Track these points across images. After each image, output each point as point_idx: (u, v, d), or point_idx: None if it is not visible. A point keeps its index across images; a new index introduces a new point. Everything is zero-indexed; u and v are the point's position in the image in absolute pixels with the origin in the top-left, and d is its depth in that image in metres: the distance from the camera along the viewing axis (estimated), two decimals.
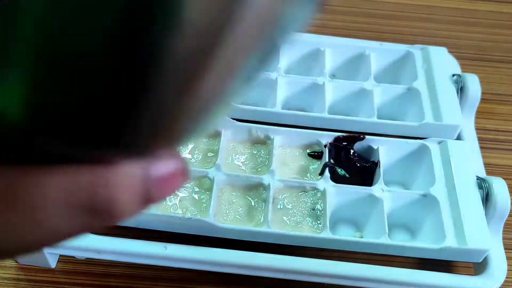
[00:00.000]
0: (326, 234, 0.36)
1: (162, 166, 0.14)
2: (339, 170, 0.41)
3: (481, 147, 0.45)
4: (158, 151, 0.14)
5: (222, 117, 0.14)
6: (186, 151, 0.42)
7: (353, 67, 0.50)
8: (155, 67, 0.10)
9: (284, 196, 0.39)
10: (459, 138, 0.45)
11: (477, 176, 0.40)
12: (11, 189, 0.12)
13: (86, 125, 0.11)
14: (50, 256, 0.37)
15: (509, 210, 0.38)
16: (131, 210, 0.14)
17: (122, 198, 0.13)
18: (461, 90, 0.47)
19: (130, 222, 0.37)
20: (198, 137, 0.12)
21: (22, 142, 0.12)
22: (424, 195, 0.39)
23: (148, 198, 0.14)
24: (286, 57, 0.49)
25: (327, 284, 0.37)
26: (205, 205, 0.38)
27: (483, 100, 0.47)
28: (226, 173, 0.39)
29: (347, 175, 0.41)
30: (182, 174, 0.15)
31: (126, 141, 0.12)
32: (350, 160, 0.42)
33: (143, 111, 0.11)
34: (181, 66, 0.11)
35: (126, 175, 0.13)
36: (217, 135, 0.42)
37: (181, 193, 0.39)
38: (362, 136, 0.42)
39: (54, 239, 0.13)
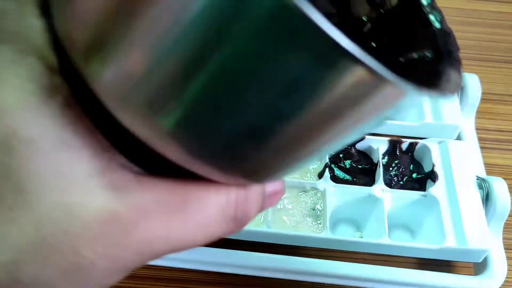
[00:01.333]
0: (326, 234, 0.36)
1: (272, 186, 0.19)
2: (338, 172, 0.41)
3: (481, 147, 0.45)
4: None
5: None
6: None
7: None
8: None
9: (284, 196, 0.39)
10: (459, 138, 0.45)
11: (477, 176, 0.40)
12: (186, 203, 0.16)
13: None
14: None
15: (509, 210, 0.38)
16: (254, 217, 0.18)
17: (252, 209, 0.18)
18: (461, 90, 0.47)
19: None
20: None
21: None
22: (424, 195, 0.40)
23: (263, 208, 0.19)
24: None
25: (327, 284, 0.37)
26: None
27: (483, 100, 0.46)
28: None
29: (346, 177, 0.41)
30: (282, 190, 0.20)
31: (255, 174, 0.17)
32: (350, 161, 0.42)
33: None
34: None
35: (255, 193, 0.18)
36: None
37: None
38: (362, 136, 0.42)
39: (209, 239, 0.17)
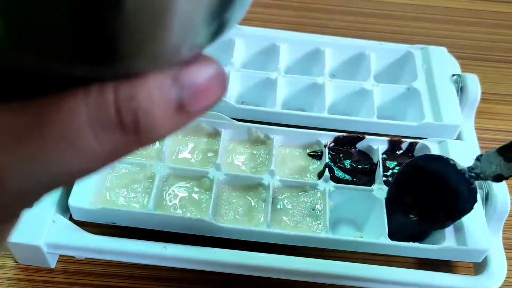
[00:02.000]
0: (326, 234, 0.37)
1: (194, 72, 0.13)
2: (338, 173, 0.41)
3: (481, 147, 0.45)
4: (180, 57, 0.13)
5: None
6: (186, 150, 0.42)
7: (353, 67, 0.50)
8: None
9: (284, 196, 0.39)
10: (459, 138, 0.45)
11: None
12: (42, 120, 0.12)
13: (78, 39, 0.11)
14: (50, 256, 0.37)
15: (509, 210, 0.38)
16: (166, 124, 0.13)
17: (152, 109, 0.13)
18: (461, 90, 0.47)
19: (130, 222, 0.37)
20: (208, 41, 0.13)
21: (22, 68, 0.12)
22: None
23: (183, 108, 0.13)
24: (286, 57, 0.49)
25: (327, 284, 0.37)
26: (205, 205, 0.38)
27: (483, 100, 0.46)
28: (226, 173, 0.39)
29: (346, 177, 0.41)
30: (219, 79, 0.14)
31: (123, 48, 0.12)
32: (350, 161, 0.42)
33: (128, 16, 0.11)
34: None
35: (153, 85, 0.13)
36: (217, 135, 0.42)
37: (181, 193, 0.39)
38: (362, 136, 0.42)
39: (94, 161, 0.13)
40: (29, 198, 0.14)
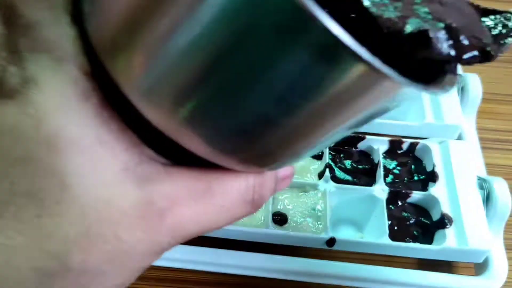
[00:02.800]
0: (327, 234, 0.36)
1: (284, 171, 0.21)
2: (338, 173, 0.41)
3: (482, 147, 0.45)
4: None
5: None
6: None
7: None
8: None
9: (284, 196, 0.39)
10: (460, 138, 0.45)
11: (478, 176, 0.40)
12: (210, 188, 0.18)
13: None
14: None
15: (510, 210, 0.38)
16: (267, 200, 0.21)
17: (267, 193, 0.20)
18: (462, 90, 0.47)
19: None
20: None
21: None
22: (425, 195, 0.40)
23: (276, 190, 0.21)
24: None
25: (327, 284, 0.37)
26: None
27: (484, 100, 0.46)
28: None
29: (347, 177, 0.41)
30: (292, 174, 0.22)
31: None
32: (351, 161, 0.42)
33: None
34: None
35: (269, 178, 0.20)
36: None
37: None
38: (362, 136, 0.42)
39: (232, 220, 0.19)
40: (189, 239, 0.19)
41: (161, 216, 0.17)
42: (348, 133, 0.17)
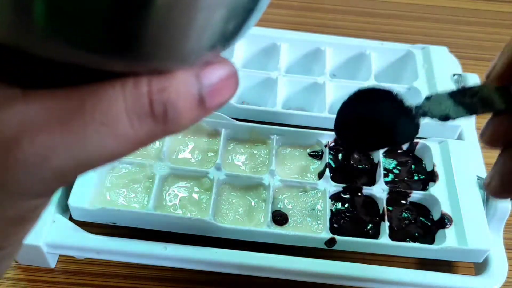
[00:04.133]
0: (327, 234, 0.36)
1: (212, 72, 0.15)
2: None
3: (481, 147, 0.45)
4: (201, 58, 0.15)
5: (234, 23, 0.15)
6: (186, 150, 0.42)
7: (353, 66, 0.50)
8: None
9: (284, 196, 0.39)
10: (459, 138, 0.45)
11: (477, 176, 0.40)
12: (84, 106, 0.14)
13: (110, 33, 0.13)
14: (50, 256, 0.37)
15: (509, 210, 0.38)
16: (189, 116, 0.15)
17: (178, 102, 0.15)
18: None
19: (130, 222, 0.37)
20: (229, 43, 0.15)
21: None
22: (425, 195, 0.40)
23: (203, 103, 0.15)
24: (287, 56, 0.49)
25: (327, 284, 0.37)
26: (205, 205, 0.38)
27: None
28: (226, 173, 0.39)
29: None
30: (232, 78, 0.16)
31: (146, 47, 0.13)
32: (350, 164, 0.42)
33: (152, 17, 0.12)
34: None
35: (179, 81, 0.15)
36: (217, 135, 0.42)
37: (181, 193, 0.39)
38: None
39: (127, 146, 0.15)
40: (67, 177, 0.15)
41: (7, 149, 0.14)
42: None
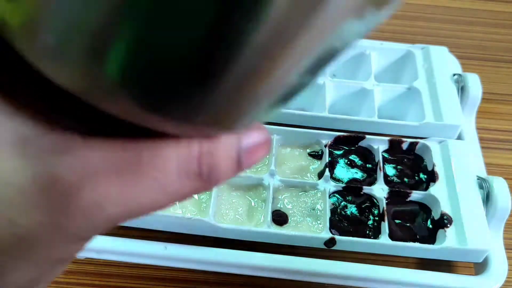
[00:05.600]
0: (326, 234, 0.36)
1: (250, 138, 0.17)
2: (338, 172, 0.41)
3: (481, 147, 0.45)
4: (246, 127, 0.17)
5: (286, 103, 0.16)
6: None
7: (353, 66, 0.50)
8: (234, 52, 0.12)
9: (284, 196, 0.39)
10: (459, 138, 0.45)
11: (477, 176, 0.40)
12: (141, 160, 0.15)
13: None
14: None
15: (509, 210, 0.38)
16: (227, 175, 0.17)
17: (222, 165, 0.16)
18: (462, 89, 0.47)
19: (130, 222, 0.37)
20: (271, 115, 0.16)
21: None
22: (425, 195, 0.40)
23: (240, 164, 0.17)
24: None
25: (327, 284, 0.37)
26: (205, 205, 0.38)
27: (484, 99, 0.46)
28: None
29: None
30: (266, 144, 0.18)
31: (208, 115, 0.14)
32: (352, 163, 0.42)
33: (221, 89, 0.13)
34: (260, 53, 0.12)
35: (225, 146, 0.16)
36: None
37: None
38: (362, 136, 0.42)
39: (173, 199, 0.16)
40: (115, 224, 0.16)
41: (70, 194, 0.14)
42: (307, 78, 0.14)
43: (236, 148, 0.17)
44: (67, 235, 0.15)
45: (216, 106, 0.14)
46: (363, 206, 0.39)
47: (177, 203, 0.18)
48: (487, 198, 0.39)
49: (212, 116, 0.14)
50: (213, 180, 0.16)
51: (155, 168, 0.15)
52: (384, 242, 0.36)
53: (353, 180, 0.41)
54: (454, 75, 0.47)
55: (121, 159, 0.15)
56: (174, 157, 0.15)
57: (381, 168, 0.41)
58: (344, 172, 0.41)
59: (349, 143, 0.43)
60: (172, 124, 0.14)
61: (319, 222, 0.38)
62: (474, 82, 0.46)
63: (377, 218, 0.39)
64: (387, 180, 0.41)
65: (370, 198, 0.39)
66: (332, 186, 0.39)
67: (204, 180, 0.16)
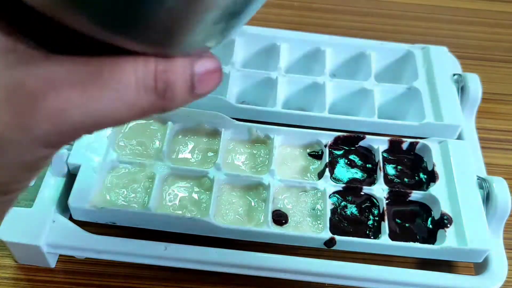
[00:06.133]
0: (326, 234, 0.36)
1: (202, 64, 0.19)
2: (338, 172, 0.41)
3: (481, 147, 0.45)
4: (197, 52, 0.19)
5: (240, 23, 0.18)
6: (186, 150, 0.42)
7: (353, 66, 0.50)
8: None
9: (284, 196, 0.39)
10: (459, 138, 0.45)
11: (477, 176, 0.40)
12: (102, 73, 0.17)
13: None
14: (50, 256, 0.37)
15: (509, 210, 0.38)
16: (181, 98, 0.18)
17: (176, 83, 0.18)
18: (461, 89, 0.47)
19: (130, 222, 0.37)
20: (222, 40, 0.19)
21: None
22: (425, 195, 0.40)
23: (194, 89, 0.19)
24: (287, 56, 0.49)
25: (327, 284, 0.37)
26: (205, 205, 0.38)
27: (483, 99, 0.46)
28: (226, 173, 0.39)
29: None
30: (218, 72, 0.19)
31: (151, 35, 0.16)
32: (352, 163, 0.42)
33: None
34: None
35: (179, 66, 0.18)
36: (217, 135, 0.42)
37: (181, 193, 0.39)
38: (362, 136, 0.42)
39: (133, 111, 0.18)
40: (79, 133, 0.17)
41: (35, 99, 0.16)
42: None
43: (189, 70, 0.18)
44: (34, 138, 0.16)
45: (161, 19, 0.16)
46: (363, 206, 0.39)
47: (137, 119, 0.18)
48: (487, 198, 0.39)
49: (160, 31, 0.16)
50: (168, 98, 0.18)
51: (116, 80, 0.17)
52: (384, 242, 0.36)
53: (353, 180, 0.41)
54: (454, 75, 0.47)
55: (84, 72, 0.16)
56: (132, 71, 0.17)
57: (381, 168, 0.41)
58: (344, 172, 0.41)
59: (349, 143, 0.43)
60: (123, 38, 0.16)
61: (319, 222, 0.38)
62: (474, 82, 0.46)
63: (377, 218, 0.39)
64: (387, 180, 0.41)
65: (370, 198, 0.39)
66: (332, 186, 0.39)
67: (161, 96, 0.18)
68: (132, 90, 0.17)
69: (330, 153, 0.42)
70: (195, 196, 0.39)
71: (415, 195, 0.40)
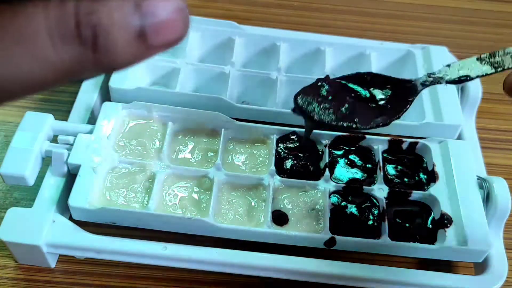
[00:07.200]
0: (326, 234, 0.36)
1: (155, 3, 0.14)
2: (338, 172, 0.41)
3: (482, 147, 0.45)
4: None
5: None
6: (186, 150, 0.42)
7: (353, 66, 0.50)
8: None
9: (284, 196, 0.39)
10: (459, 137, 0.45)
11: (477, 176, 0.40)
12: (0, 23, 0.13)
13: None
14: (50, 256, 0.37)
15: (509, 210, 0.38)
16: (126, 49, 0.14)
17: (112, 29, 0.13)
18: (461, 89, 0.47)
19: (130, 222, 0.37)
20: None
21: None
22: (425, 195, 0.39)
23: (145, 38, 0.14)
24: (287, 56, 0.49)
25: (327, 284, 0.37)
26: (205, 205, 0.38)
27: (484, 99, 0.46)
28: (226, 173, 0.39)
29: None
30: (181, 16, 0.14)
31: None
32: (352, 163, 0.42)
33: None
34: None
35: (113, 6, 0.13)
36: (217, 135, 0.42)
37: (181, 193, 0.39)
38: (362, 136, 0.42)
39: (50, 72, 0.14)
40: None
41: None
42: None
43: (132, 12, 0.14)
44: None
45: None
46: (363, 206, 0.39)
47: (64, 81, 0.14)
48: (487, 198, 0.39)
49: None
50: (104, 48, 0.14)
51: (21, 33, 0.13)
52: (384, 242, 0.36)
53: (353, 180, 0.41)
54: None
55: None
56: (42, 17, 0.13)
57: (381, 168, 0.41)
58: (344, 172, 0.41)
59: (349, 143, 0.43)
60: None
61: (319, 222, 0.38)
62: (474, 82, 0.46)
63: (377, 218, 0.39)
64: (387, 180, 0.41)
65: (370, 198, 0.39)
66: (332, 186, 0.39)
67: (89, 46, 0.13)
68: (45, 42, 0.13)
69: (330, 153, 0.42)
70: (195, 196, 0.39)
71: (415, 195, 0.40)
